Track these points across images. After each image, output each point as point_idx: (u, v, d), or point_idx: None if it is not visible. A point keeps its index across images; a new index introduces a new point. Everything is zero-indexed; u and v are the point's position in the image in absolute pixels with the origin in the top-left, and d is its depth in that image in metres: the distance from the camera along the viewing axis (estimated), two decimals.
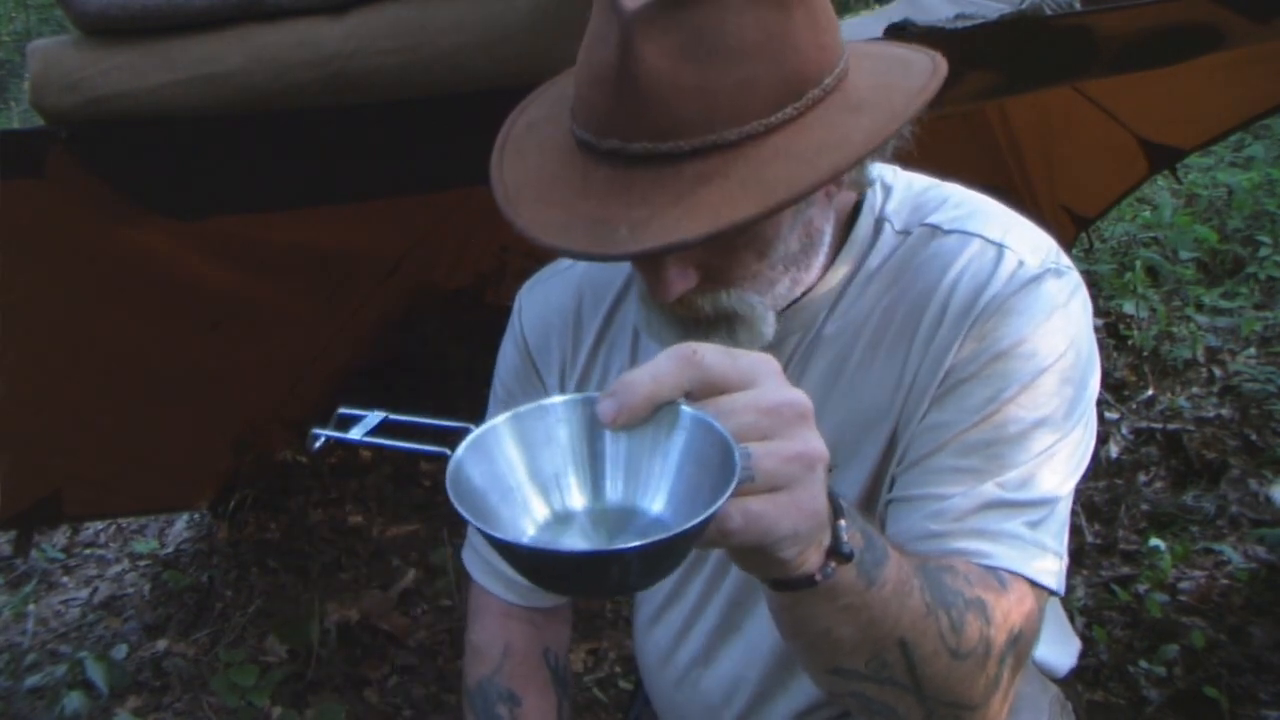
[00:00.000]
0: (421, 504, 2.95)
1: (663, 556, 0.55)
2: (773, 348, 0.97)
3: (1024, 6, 1.47)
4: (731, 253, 0.85)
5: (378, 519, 2.90)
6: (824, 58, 0.80)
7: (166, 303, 2.03)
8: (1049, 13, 1.47)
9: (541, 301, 1.12)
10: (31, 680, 2.36)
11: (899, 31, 1.38)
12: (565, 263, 1.12)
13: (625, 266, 1.05)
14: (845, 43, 0.84)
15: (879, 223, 0.96)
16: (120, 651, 2.46)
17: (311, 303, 2.51)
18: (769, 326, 0.89)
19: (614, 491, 0.62)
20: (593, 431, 0.62)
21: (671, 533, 0.53)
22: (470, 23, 1.29)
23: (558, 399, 0.62)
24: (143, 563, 2.88)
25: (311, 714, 2.22)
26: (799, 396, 0.61)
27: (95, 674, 2.30)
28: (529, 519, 0.61)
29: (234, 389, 2.45)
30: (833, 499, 0.67)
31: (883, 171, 0.99)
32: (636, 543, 0.53)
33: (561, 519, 0.62)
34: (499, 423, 0.61)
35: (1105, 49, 1.56)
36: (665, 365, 0.60)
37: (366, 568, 2.72)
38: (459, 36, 1.29)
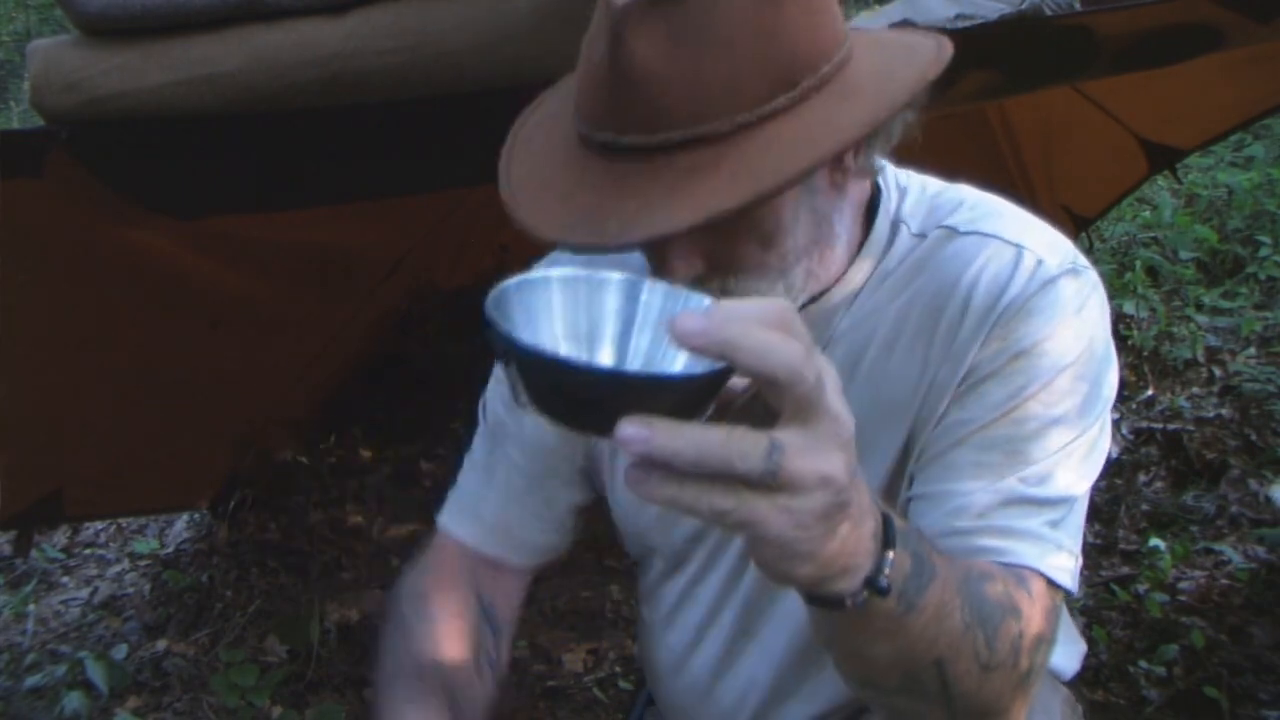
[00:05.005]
0: (421, 504, 2.94)
1: (669, 394, 0.55)
2: None
3: (1024, 6, 1.47)
4: (735, 241, 0.85)
5: (378, 519, 2.90)
6: (819, 46, 0.79)
7: (166, 302, 2.03)
8: (1049, 13, 1.47)
9: None
10: (31, 680, 2.35)
11: None
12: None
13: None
14: (850, 30, 0.84)
15: (895, 224, 0.96)
16: (120, 651, 2.45)
17: (311, 303, 2.51)
18: None
19: (635, 364, 0.63)
20: (631, 307, 0.63)
21: (682, 373, 0.57)
22: (470, 23, 1.29)
23: (612, 273, 0.63)
24: (143, 563, 2.88)
25: (311, 714, 2.22)
26: (850, 418, 0.58)
27: (95, 674, 2.30)
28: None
29: (234, 389, 2.45)
30: (888, 524, 0.65)
31: (896, 174, 0.99)
32: (671, 372, 0.58)
33: None
34: (552, 275, 0.63)
35: (1105, 49, 1.56)
36: (770, 332, 0.53)
37: (366, 568, 2.72)
38: (459, 37, 1.29)
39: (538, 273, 0.63)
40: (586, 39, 0.82)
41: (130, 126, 1.36)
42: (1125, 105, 2.56)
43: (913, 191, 0.98)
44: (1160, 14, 1.48)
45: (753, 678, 1.07)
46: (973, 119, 2.70)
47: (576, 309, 0.64)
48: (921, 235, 0.95)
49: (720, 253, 0.85)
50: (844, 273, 0.95)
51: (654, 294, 0.64)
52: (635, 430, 0.51)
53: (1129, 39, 1.55)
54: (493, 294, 0.61)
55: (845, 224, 0.94)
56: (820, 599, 0.65)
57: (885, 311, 0.94)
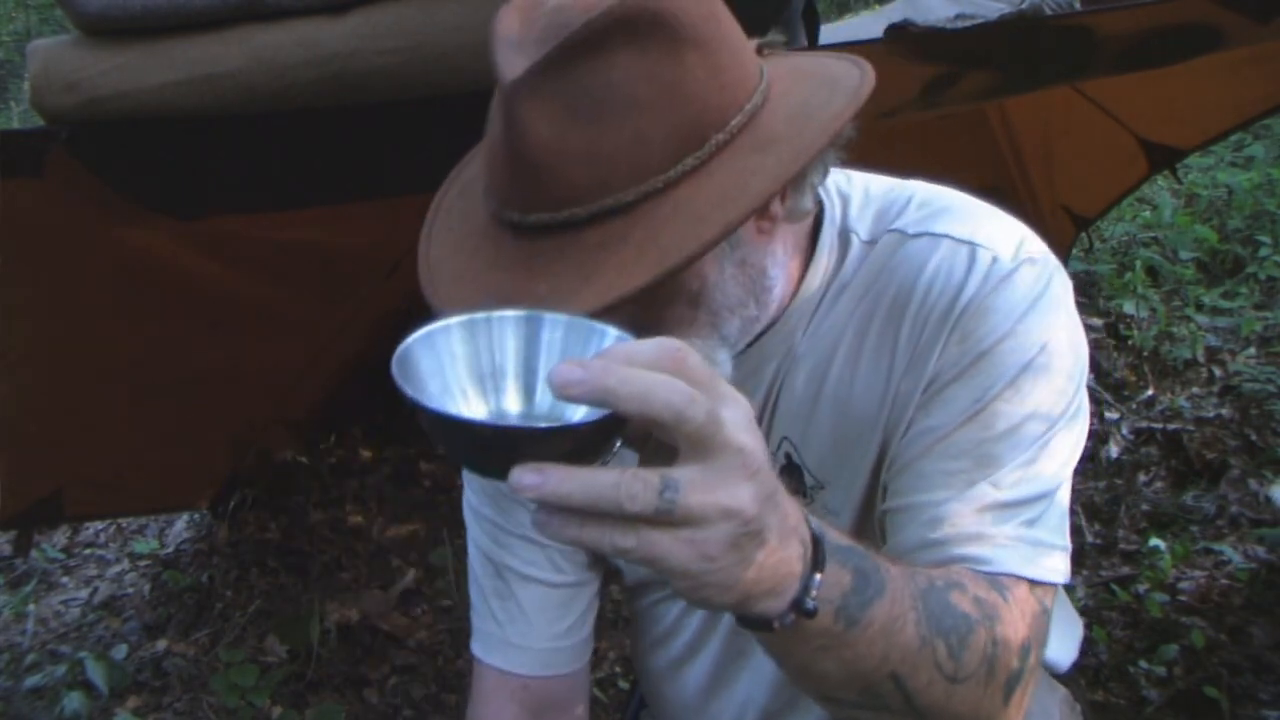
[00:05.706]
0: (421, 504, 2.95)
1: (569, 444, 0.56)
2: (754, 374, 0.95)
3: (1024, 6, 1.47)
4: (659, 305, 0.81)
5: (378, 519, 2.90)
6: (727, 97, 0.75)
7: (166, 302, 2.03)
8: (1049, 13, 1.47)
9: None
10: (31, 680, 2.36)
11: (899, 32, 1.38)
12: None
13: None
14: (769, 64, 0.80)
15: (844, 234, 0.94)
16: (120, 651, 2.46)
17: (311, 303, 2.50)
18: (721, 368, 0.85)
19: (544, 402, 0.64)
20: (534, 345, 0.64)
21: (573, 422, 0.57)
22: (471, 23, 1.29)
23: (509, 312, 0.63)
24: (143, 563, 2.88)
25: (311, 714, 2.22)
26: (761, 447, 0.58)
27: (95, 674, 2.30)
28: (467, 411, 0.63)
29: (234, 389, 2.45)
30: (819, 544, 0.65)
31: (836, 180, 0.96)
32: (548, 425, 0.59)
33: (496, 418, 0.64)
34: (452, 321, 0.63)
35: (1105, 49, 1.56)
36: (652, 375, 0.54)
37: (366, 568, 2.72)
38: (460, 37, 1.29)
39: (440, 321, 0.63)
40: (489, 114, 0.79)
41: (130, 126, 1.36)
42: (1125, 105, 2.56)
43: (855, 197, 0.96)
44: (1160, 14, 1.48)
45: (749, 696, 1.07)
46: (973, 119, 2.70)
47: (479, 352, 0.64)
48: (871, 242, 0.93)
49: (647, 316, 0.80)
50: (795, 294, 0.93)
51: (556, 327, 0.64)
52: (529, 477, 0.52)
53: (1129, 39, 1.55)
54: (399, 350, 0.61)
55: (783, 264, 0.90)
56: (748, 622, 0.65)
57: (845, 325, 0.93)
